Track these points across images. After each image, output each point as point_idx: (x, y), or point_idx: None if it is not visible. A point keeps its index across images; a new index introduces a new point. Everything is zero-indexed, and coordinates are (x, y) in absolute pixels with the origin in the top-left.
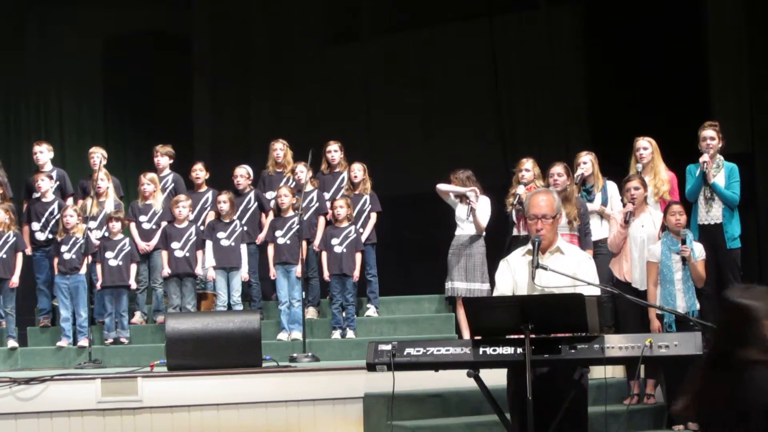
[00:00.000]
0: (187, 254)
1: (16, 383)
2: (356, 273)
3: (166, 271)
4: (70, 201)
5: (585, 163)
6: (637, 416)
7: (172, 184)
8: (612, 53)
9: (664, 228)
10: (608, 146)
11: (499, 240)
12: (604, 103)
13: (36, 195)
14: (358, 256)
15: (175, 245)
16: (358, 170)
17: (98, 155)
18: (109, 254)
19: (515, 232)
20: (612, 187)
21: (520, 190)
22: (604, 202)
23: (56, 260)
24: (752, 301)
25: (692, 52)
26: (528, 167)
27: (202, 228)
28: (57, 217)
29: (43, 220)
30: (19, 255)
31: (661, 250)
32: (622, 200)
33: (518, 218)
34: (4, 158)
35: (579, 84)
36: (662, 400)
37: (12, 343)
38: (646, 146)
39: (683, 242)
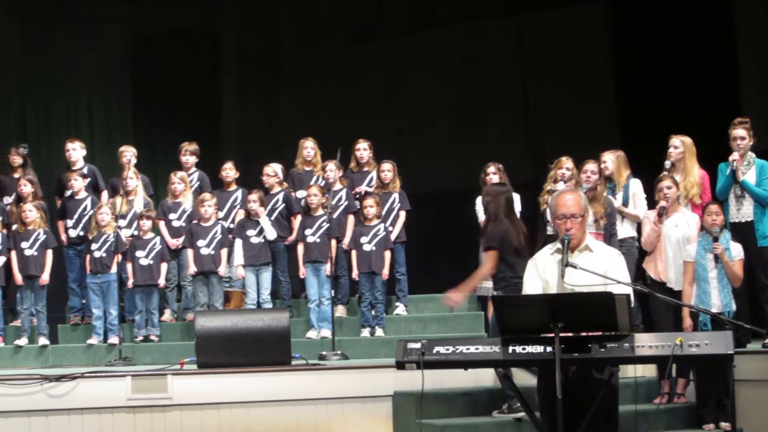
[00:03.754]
0: (212, 252)
1: (47, 380)
2: (385, 271)
3: (192, 269)
4: (104, 197)
5: (605, 162)
6: (667, 415)
7: (198, 183)
8: (641, 50)
9: (702, 228)
10: (638, 144)
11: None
12: (633, 101)
13: (68, 193)
14: (387, 255)
15: (200, 243)
16: (388, 170)
17: (129, 154)
18: (139, 253)
19: (549, 230)
20: (636, 184)
21: (561, 186)
22: (625, 201)
23: (87, 258)
24: None
25: (722, 49)
26: (569, 166)
27: (231, 226)
28: (89, 214)
29: (75, 217)
30: (49, 252)
31: (697, 249)
32: (647, 198)
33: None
34: (35, 157)
35: (608, 81)
36: (693, 400)
37: (43, 340)
38: (677, 145)
39: (715, 240)
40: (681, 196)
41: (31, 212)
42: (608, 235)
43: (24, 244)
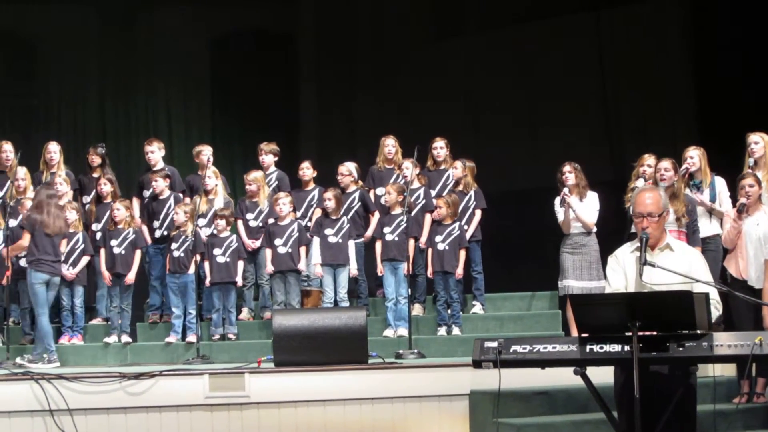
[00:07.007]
0: (290, 250)
1: (126, 378)
2: (459, 270)
3: (270, 268)
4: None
5: (692, 158)
6: (746, 415)
7: (276, 182)
8: (721, 47)
9: None
10: (717, 142)
11: (612, 236)
12: (712, 98)
13: (151, 193)
14: (462, 254)
15: (277, 242)
16: (458, 167)
17: (206, 153)
18: (216, 251)
19: (633, 228)
20: (720, 183)
21: (640, 183)
22: (712, 198)
23: (168, 257)
24: None
25: None
26: (651, 163)
27: (309, 225)
28: (173, 214)
29: (161, 217)
30: (137, 252)
31: None
32: (730, 196)
33: None
34: (114, 156)
35: (687, 78)
36: None
37: (126, 338)
38: (757, 141)
39: None
40: (764, 191)
41: (120, 211)
42: (690, 233)
43: (113, 242)
